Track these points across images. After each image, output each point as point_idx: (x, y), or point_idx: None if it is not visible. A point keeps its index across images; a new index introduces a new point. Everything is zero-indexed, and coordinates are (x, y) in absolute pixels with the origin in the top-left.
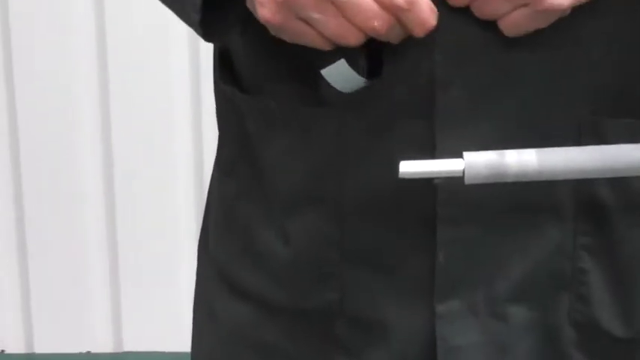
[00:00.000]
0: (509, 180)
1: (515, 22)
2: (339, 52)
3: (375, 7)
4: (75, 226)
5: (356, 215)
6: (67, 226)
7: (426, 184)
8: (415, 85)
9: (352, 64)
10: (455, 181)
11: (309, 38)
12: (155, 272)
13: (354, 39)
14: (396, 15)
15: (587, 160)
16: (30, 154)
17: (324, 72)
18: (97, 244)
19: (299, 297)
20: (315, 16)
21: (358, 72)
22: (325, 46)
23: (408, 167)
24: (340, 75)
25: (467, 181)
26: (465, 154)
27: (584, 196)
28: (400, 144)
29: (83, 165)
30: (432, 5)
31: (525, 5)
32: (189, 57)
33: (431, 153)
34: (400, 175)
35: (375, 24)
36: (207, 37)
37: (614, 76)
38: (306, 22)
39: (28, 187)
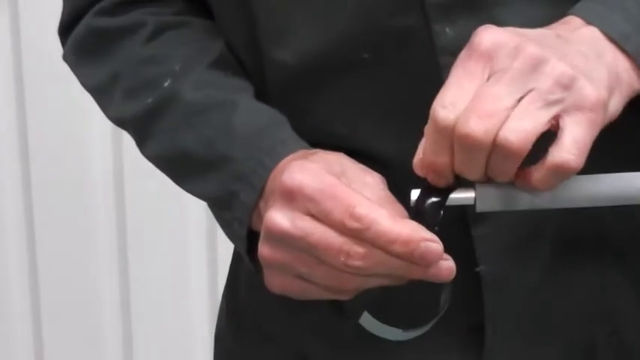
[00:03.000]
0: (521, 208)
1: (539, 181)
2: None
3: (337, 239)
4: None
5: None
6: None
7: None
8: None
9: (382, 313)
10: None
11: (314, 292)
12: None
13: (348, 284)
14: (361, 237)
15: (600, 188)
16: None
17: (362, 321)
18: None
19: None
20: (303, 269)
21: (391, 322)
22: (332, 296)
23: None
24: (374, 326)
25: (478, 208)
26: (477, 185)
27: (616, 231)
28: None
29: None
30: (397, 209)
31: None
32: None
33: None
34: (412, 204)
35: (342, 259)
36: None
37: None
38: (304, 278)
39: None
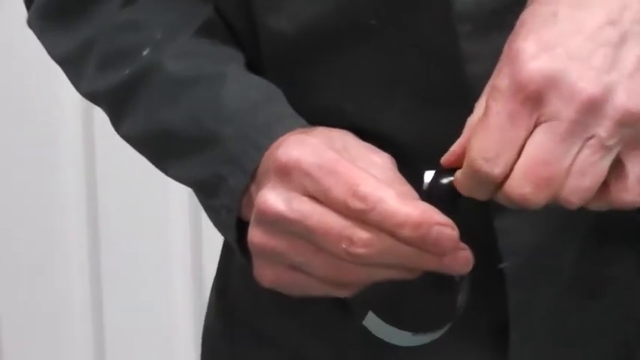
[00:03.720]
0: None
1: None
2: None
3: (338, 222)
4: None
5: None
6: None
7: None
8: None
9: (390, 313)
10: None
11: (311, 286)
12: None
13: (351, 276)
14: (365, 220)
15: None
16: None
17: (366, 323)
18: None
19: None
20: (299, 258)
21: (399, 324)
22: (332, 292)
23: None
24: (381, 328)
25: None
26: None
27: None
28: None
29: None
30: (406, 190)
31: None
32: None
33: None
34: (425, 186)
35: (343, 245)
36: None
37: None
38: (300, 270)
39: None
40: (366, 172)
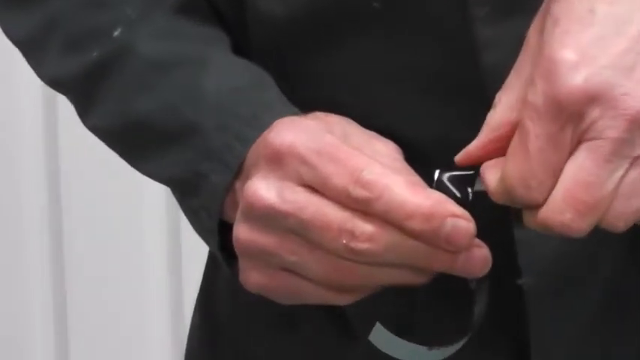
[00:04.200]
0: None
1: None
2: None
3: (338, 214)
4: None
5: None
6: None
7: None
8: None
9: (398, 326)
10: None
11: (305, 290)
12: None
13: (351, 278)
14: (369, 210)
15: None
16: None
17: (373, 337)
18: None
19: None
20: (291, 258)
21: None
22: (329, 298)
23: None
24: (390, 343)
25: None
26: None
27: None
28: None
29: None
30: (415, 180)
31: None
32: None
33: None
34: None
35: (343, 240)
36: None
37: None
38: (293, 272)
39: None
40: (370, 157)
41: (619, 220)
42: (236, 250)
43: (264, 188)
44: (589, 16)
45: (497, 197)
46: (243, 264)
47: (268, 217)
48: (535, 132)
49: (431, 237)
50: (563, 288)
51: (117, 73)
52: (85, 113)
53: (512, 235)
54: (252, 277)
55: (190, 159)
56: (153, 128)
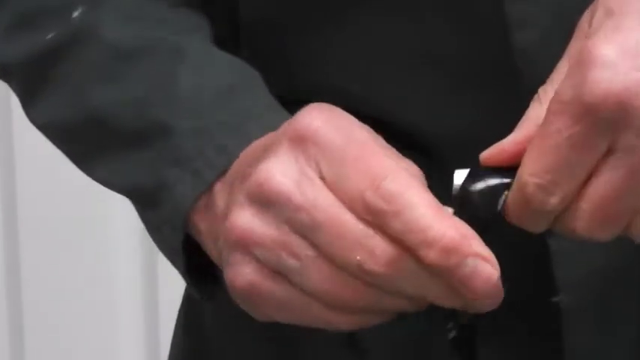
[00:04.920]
0: None
1: None
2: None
3: (357, 226)
4: None
5: None
6: None
7: None
8: None
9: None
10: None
11: (297, 304)
12: None
13: (354, 298)
14: (382, 226)
15: None
16: None
17: None
18: None
19: None
20: (290, 261)
21: None
22: (325, 319)
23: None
24: None
25: None
26: None
27: None
28: None
29: None
30: (434, 204)
31: None
32: None
33: None
34: (455, 191)
35: (359, 257)
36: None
37: None
38: (287, 279)
39: None
40: (399, 165)
41: None
42: (229, 238)
43: (280, 172)
44: None
45: (510, 210)
46: (233, 257)
47: (277, 206)
48: (556, 126)
49: (445, 272)
50: (605, 306)
51: (74, 59)
52: (30, 103)
53: (547, 246)
54: (241, 275)
55: (155, 164)
56: (112, 125)
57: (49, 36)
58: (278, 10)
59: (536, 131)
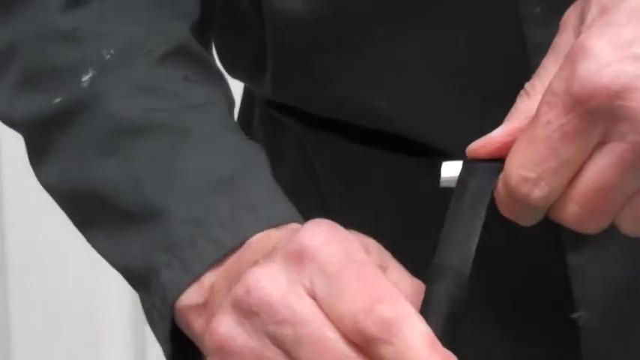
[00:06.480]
0: None
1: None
2: None
3: (339, 346)
4: None
5: None
6: None
7: None
8: None
9: None
10: None
11: None
12: None
13: None
14: (371, 351)
15: None
16: None
17: None
18: None
19: None
20: None
21: None
22: None
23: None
24: None
25: None
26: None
27: None
28: None
29: None
30: (429, 337)
31: None
32: None
33: None
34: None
35: None
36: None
37: None
38: None
39: None
40: (395, 289)
41: (627, 225)
42: (210, 345)
43: (268, 281)
44: (638, 10)
45: (500, 204)
46: None
47: (260, 315)
48: (547, 118)
49: None
50: (625, 324)
51: (78, 127)
52: (36, 163)
53: (565, 261)
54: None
55: (146, 247)
56: (110, 201)
57: (57, 100)
58: (307, 35)
59: (524, 124)
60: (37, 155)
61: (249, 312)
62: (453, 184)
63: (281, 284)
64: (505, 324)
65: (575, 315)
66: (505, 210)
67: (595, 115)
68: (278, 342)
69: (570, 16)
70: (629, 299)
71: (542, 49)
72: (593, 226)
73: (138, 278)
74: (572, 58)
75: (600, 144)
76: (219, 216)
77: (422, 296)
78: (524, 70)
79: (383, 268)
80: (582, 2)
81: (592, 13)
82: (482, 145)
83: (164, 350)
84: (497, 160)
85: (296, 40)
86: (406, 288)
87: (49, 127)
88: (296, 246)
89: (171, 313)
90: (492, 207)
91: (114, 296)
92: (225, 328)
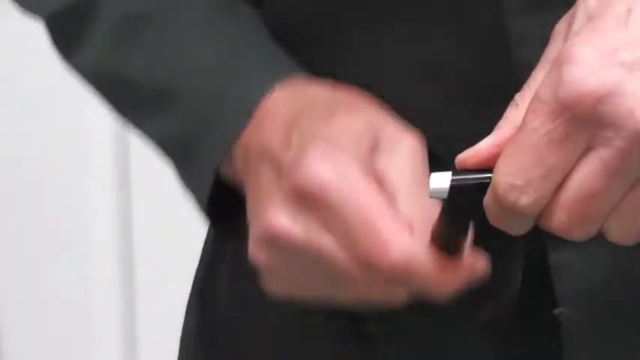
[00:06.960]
0: None
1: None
2: None
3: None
4: None
5: None
6: None
7: None
8: None
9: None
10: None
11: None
12: None
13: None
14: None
15: None
16: None
17: None
18: None
19: None
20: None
21: None
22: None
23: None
24: None
25: None
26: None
27: None
28: None
29: None
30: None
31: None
32: None
33: None
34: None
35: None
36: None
37: None
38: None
39: None
40: (400, 223)
41: (615, 233)
42: (261, 233)
43: (287, 221)
44: (624, 17)
45: (489, 213)
46: (266, 276)
47: (289, 249)
48: (533, 125)
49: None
50: (607, 321)
51: (103, 14)
52: (69, 52)
53: (547, 258)
54: (277, 287)
55: (176, 124)
56: (136, 88)
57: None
58: (304, 27)
59: (513, 133)
60: (69, 44)
61: (279, 247)
62: (443, 195)
63: (299, 221)
64: (491, 324)
65: (556, 311)
66: (494, 219)
67: (581, 121)
68: (333, 229)
69: (561, 25)
70: (610, 296)
71: (524, 41)
72: (580, 234)
73: (175, 149)
74: (558, 65)
75: (587, 150)
76: (237, 81)
77: (404, 160)
78: (504, 62)
79: (374, 148)
80: (571, 12)
81: (579, 19)
82: (470, 156)
83: (205, 216)
84: (485, 171)
85: (300, 26)
86: (388, 159)
87: (76, 14)
88: (301, 189)
89: (210, 181)
90: (482, 219)
91: (104, 296)
92: (283, 221)
